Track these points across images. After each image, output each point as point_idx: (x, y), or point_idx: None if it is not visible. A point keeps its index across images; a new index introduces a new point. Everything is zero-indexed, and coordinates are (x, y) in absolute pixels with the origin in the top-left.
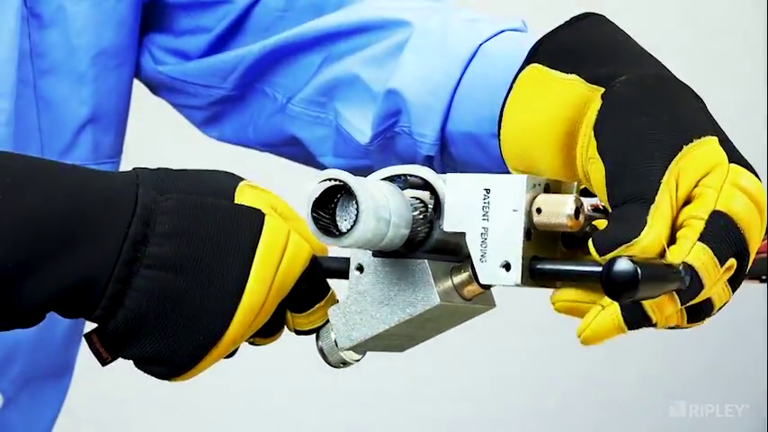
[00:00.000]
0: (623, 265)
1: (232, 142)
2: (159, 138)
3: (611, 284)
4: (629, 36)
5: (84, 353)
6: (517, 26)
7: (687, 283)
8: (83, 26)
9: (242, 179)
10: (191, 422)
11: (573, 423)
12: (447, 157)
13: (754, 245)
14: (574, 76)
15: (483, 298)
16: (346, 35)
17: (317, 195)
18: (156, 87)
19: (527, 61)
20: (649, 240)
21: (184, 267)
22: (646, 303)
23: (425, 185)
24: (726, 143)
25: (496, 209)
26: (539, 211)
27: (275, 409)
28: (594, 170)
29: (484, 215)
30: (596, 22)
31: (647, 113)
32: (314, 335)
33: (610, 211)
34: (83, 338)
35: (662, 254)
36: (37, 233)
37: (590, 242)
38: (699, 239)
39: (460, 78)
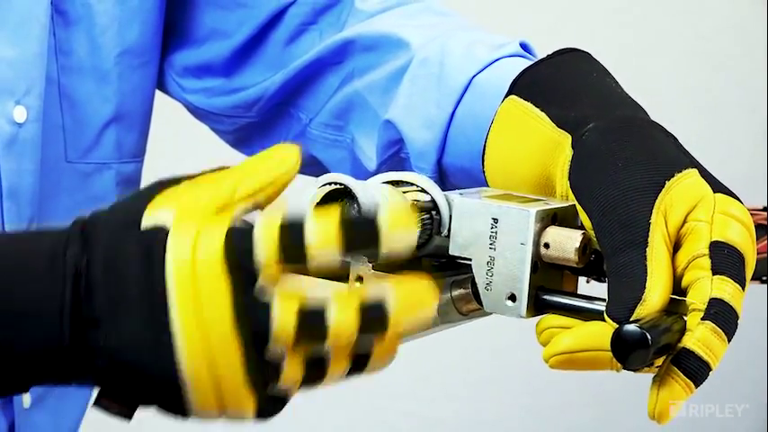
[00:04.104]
0: (631, 329)
1: None
2: (182, 137)
3: (622, 349)
4: (608, 73)
5: None
6: (515, 51)
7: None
8: (107, 24)
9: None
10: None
11: (573, 422)
12: (448, 184)
13: (750, 269)
14: (544, 115)
15: (478, 311)
16: (361, 50)
17: (317, 200)
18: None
19: (507, 94)
20: (656, 298)
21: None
22: (700, 351)
23: (433, 206)
24: (706, 174)
25: (504, 240)
26: (546, 246)
27: None
28: (582, 218)
29: (491, 244)
30: (576, 58)
31: (620, 158)
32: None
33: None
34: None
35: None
36: None
37: (606, 317)
38: (713, 273)
39: (453, 113)
